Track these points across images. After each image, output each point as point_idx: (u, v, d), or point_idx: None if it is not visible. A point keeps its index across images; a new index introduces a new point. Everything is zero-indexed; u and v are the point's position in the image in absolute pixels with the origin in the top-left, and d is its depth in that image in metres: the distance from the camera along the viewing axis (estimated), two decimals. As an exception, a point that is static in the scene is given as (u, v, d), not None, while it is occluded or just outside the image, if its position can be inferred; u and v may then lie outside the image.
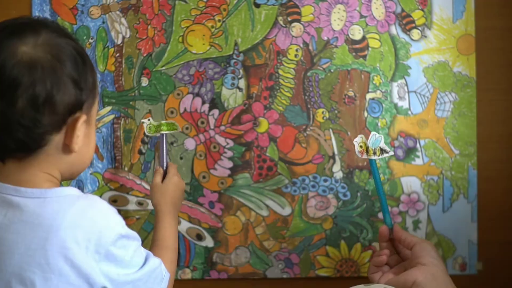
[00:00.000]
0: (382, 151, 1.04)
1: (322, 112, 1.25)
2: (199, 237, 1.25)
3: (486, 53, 1.25)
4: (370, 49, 1.25)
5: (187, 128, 1.24)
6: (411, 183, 1.25)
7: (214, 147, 1.24)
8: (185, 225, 1.25)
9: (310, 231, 1.26)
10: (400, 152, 1.25)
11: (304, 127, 1.25)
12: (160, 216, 1.09)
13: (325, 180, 1.25)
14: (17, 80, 0.80)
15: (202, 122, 1.24)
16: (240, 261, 1.25)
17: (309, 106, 1.24)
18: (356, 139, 1.03)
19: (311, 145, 1.25)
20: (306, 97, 1.24)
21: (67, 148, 0.86)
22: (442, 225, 1.25)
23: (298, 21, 1.24)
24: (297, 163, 1.25)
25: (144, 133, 1.22)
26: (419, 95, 1.25)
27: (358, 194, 1.25)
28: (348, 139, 1.25)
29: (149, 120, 1.18)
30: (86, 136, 0.88)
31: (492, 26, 1.25)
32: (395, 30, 1.25)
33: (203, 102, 1.24)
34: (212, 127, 1.24)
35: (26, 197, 0.84)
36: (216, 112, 1.24)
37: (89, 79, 0.87)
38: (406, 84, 1.25)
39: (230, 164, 1.24)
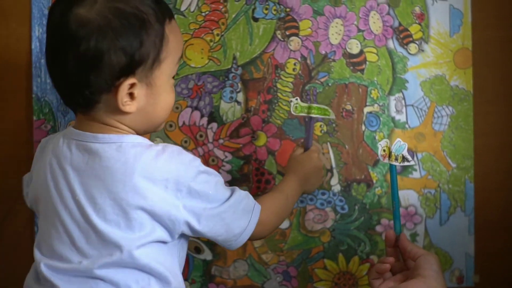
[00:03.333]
0: (404, 159, 1.05)
1: (320, 126, 1.25)
2: (198, 250, 1.26)
3: (483, 67, 1.26)
4: (367, 63, 1.26)
5: (185, 142, 1.25)
6: (408, 196, 1.26)
7: (213, 160, 1.25)
8: (183, 238, 1.25)
9: (308, 244, 1.26)
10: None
11: (302, 140, 1.25)
12: (286, 180, 1.09)
13: (323, 194, 1.26)
14: (68, 38, 0.84)
15: (201, 136, 1.25)
16: (239, 274, 1.26)
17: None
18: (381, 142, 1.04)
19: (309, 159, 1.25)
20: (304, 110, 1.25)
21: (118, 108, 0.88)
22: (439, 238, 1.26)
23: (296, 35, 1.25)
24: (295, 176, 1.25)
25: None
26: (416, 108, 1.26)
27: (356, 207, 1.26)
28: (346, 153, 1.26)
29: (296, 99, 1.18)
30: (148, 96, 0.89)
31: (489, 40, 1.26)
32: (392, 44, 1.26)
33: (202, 116, 1.25)
34: (210, 140, 1.25)
35: (104, 143, 0.88)
36: (214, 125, 1.25)
37: (147, 42, 0.86)
38: (404, 98, 1.26)
39: (228, 177, 1.25)
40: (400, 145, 1.04)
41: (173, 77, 0.95)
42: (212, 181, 0.91)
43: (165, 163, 0.87)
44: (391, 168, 1.05)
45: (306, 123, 1.17)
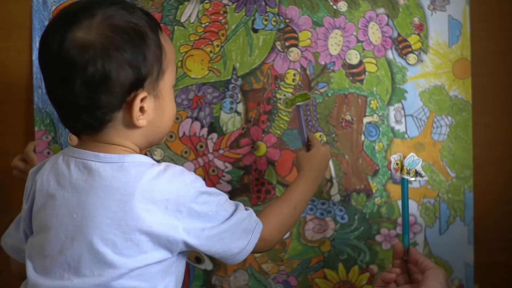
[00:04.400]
0: (417, 174, 1.05)
1: (320, 136, 1.26)
2: (198, 260, 1.26)
3: (482, 77, 1.26)
4: (367, 73, 1.26)
5: (186, 152, 1.25)
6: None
7: (213, 171, 1.26)
8: (184, 248, 1.26)
9: (308, 254, 1.27)
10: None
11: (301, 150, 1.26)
12: (300, 176, 1.10)
13: (323, 203, 1.26)
14: (72, 64, 0.83)
15: (201, 146, 1.26)
16: (239, 283, 1.26)
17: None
18: (394, 156, 1.05)
19: (309, 169, 1.26)
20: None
21: (132, 124, 0.87)
22: (439, 248, 1.27)
23: (296, 46, 1.26)
24: (295, 186, 1.26)
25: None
26: (415, 118, 1.26)
27: (356, 217, 1.26)
28: (346, 163, 1.26)
29: (285, 95, 1.19)
30: (156, 108, 0.89)
31: (488, 51, 1.26)
32: (391, 54, 1.26)
33: (202, 126, 1.26)
34: (210, 151, 1.26)
35: (104, 162, 0.87)
36: (214, 136, 1.26)
37: (149, 54, 0.86)
38: (403, 108, 1.26)
39: (228, 187, 1.26)
40: (413, 160, 1.04)
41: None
42: (213, 202, 0.90)
43: (166, 183, 0.86)
44: (403, 182, 1.05)
45: (297, 114, 1.19)
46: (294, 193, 1.06)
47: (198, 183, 0.89)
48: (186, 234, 0.87)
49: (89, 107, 0.85)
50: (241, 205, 0.95)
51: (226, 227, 0.91)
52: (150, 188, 0.85)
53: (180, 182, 0.88)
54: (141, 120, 0.88)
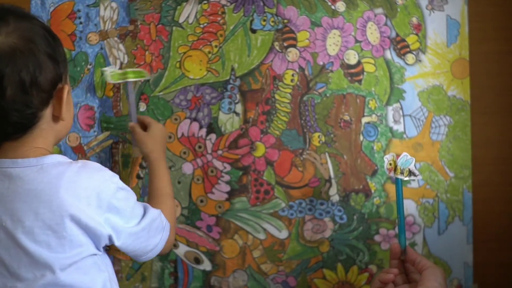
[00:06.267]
0: (411, 173, 1.05)
1: (318, 136, 1.26)
2: (197, 261, 1.26)
3: (480, 76, 1.26)
4: (365, 73, 1.26)
5: (184, 153, 1.26)
6: (406, 206, 1.26)
7: (212, 171, 1.26)
8: (183, 248, 1.26)
9: (307, 254, 1.27)
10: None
11: (300, 151, 1.26)
12: (156, 165, 1.13)
13: (322, 204, 1.26)
14: (0, 70, 0.85)
15: (200, 147, 1.26)
16: (238, 284, 1.26)
17: (305, 130, 1.26)
18: (387, 156, 1.05)
19: (307, 169, 1.26)
20: (302, 121, 1.26)
21: (56, 118, 0.92)
22: (437, 248, 1.26)
23: (294, 46, 1.26)
24: (293, 186, 1.26)
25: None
26: (414, 118, 1.26)
27: (355, 217, 1.26)
28: (344, 163, 1.26)
29: (111, 66, 1.21)
30: (67, 103, 0.93)
31: (486, 50, 1.26)
32: (390, 54, 1.26)
33: (201, 127, 1.26)
34: (209, 151, 1.26)
35: (24, 167, 0.89)
36: (213, 136, 1.26)
37: (61, 51, 0.92)
38: (401, 108, 1.26)
39: (227, 188, 1.26)
40: (406, 160, 1.04)
41: None
42: (130, 199, 0.94)
43: (87, 179, 0.89)
44: (397, 182, 1.05)
45: (126, 91, 1.19)
46: (165, 183, 1.11)
47: (115, 178, 0.92)
48: (109, 229, 0.90)
49: (22, 108, 0.87)
50: (147, 205, 0.99)
51: (143, 226, 0.95)
52: (72, 184, 0.87)
53: (99, 177, 0.90)
54: (64, 114, 0.92)
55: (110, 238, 0.91)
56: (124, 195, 0.93)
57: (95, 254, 0.91)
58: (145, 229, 0.95)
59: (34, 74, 0.86)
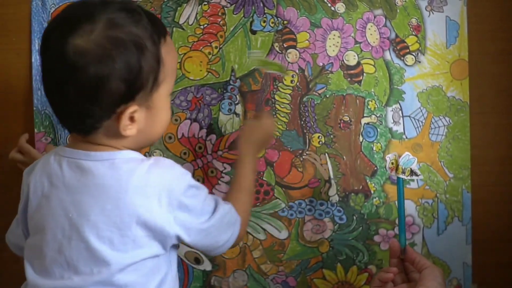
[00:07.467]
0: (412, 173, 1.06)
1: (318, 137, 1.26)
2: (197, 261, 1.27)
3: (479, 77, 1.27)
4: (365, 74, 1.27)
5: (185, 153, 1.26)
6: (406, 206, 1.25)
7: (212, 172, 1.26)
8: (183, 248, 1.26)
9: (307, 254, 1.27)
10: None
11: (300, 151, 1.26)
12: (246, 158, 1.09)
13: (321, 204, 1.27)
14: (66, 70, 0.83)
15: (200, 147, 1.26)
16: (238, 284, 1.27)
17: (305, 131, 1.26)
18: (389, 155, 1.06)
19: (307, 170, 1.26)
20: (302, 122, 1.26)
21: (119, 133, 0.88)
22: (437, 248, 1.27)
23: (294, 47, 1.26)
24: (293, 187, 1.27)
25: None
26: (413, 119, 1.27)
27: (354, 217, 1.27)
28: (344, 164, 1.27)
29: (258, 51, 1.21)
30: (147, 118, 0.90)
31: (485, 51, 1.27)
32: (389, 55, 1.27)
33: (201, 128, 1.26)
34: (209, 152, 1.26)
35: (96, 160, 0.88)
36: (213, 137, 1.26)
37: (145, 68, 0.86)
38: (401, 109, 1.27)
39: (227, 188, 1.26)
40: (408, 159, 1.05)
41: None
42: (201, 196, 0.93)
43: (158, 176, 0.88)
44: (398, 181, 1.06)
45: (263, 82, 1.17)
46: (247, 178, 1.08)
47: (187, 176, 0.91)
48: (178, 227, 0.89)
49: (80, 114, 0.86)
50: (219, 199, 0.98)
51: (213, 221, 0.93)
52: (142, 183, 0.87)
53: (171, 175, 0.89)
54: (129, 130, 0.88)
55: (178, 237, 0.90)
56: (195, 192, 0.92)
57: (157, 256, 0.90)
58: (215, 224, 0.94)
59: (97, 84, 0.83)
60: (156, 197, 0.87)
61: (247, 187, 1.07)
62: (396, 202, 1.25)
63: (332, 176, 1.27)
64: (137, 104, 0.87)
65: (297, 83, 1.26)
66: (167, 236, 0.89)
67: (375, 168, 1.27)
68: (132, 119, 0.88)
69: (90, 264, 0.86)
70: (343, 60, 1.26)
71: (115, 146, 0.91)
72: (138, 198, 0.86)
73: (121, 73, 0.84)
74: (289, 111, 1.26)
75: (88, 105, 0.84)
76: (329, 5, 1.26)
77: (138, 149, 0.94)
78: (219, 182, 1.26)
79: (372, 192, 1.27)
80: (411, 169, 1.06)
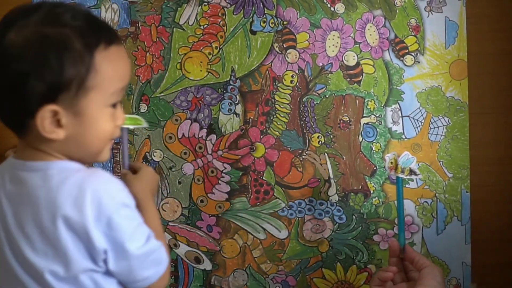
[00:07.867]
0: (411, 172, 1.06)
1: (318, 137, 1.27)
2: (198, 260, 1.27)
3: (478, 78, 1.27)
4: (364, 74, 1.27)
5: (185, 153, 1.26)
6: (405, 206, 1.26)
7: (212, 172, 1.27)
8: (183, 248, 1.27)
9: (307, 254, 1.28)
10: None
11: (300, 151, 1.27)
12: (142, 205, 0.96)
13: (321, 204, 1.27)
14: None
15: (200, 147, 1.27)
16: (238, 283, 1.27)
17: (304, 131, 1.27)
18: (389, 154, 1.06)
19: (307, 169, 1.27)
20: (301, 122, 1.27)
21: (41, 134, 0.84)
22: (436, 247, 1.27)
23: (294, 47, 1.27)
24: (293, 187, 1.27)
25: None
26: (412, 119, 1.27)
27: (354, 217, 1.27)
28: (343, 163, 1.27)
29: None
30: (77, 125, 0.84)
31: (484, 52, 1.27)
32: (388, 56, 1.27)
33: (201, 128, 1.27)
34: (209, 152, 1.27)
35: (30, 171, 0.86)
36: (213, 137, 1.27)
37: (68, 70, 0.81)
38: (400, 109, 1.27)
39: (227, 188, 1.27)
40: (408, 159, 1.06)
41: (115, 105, 0.87)
42: (134, 219, 0.86)
43: (89, 189, 0.83)
44: (398, 180, 1.07)
45: (121, 136, 1.03)
46: (156, 222, 0.96)
47: (123, 193, 0.86)
48: (106, 244, 0.84)
49: (8, 109, 0.84)
50: (152, 233, 0.89)
51: (139, 254, 0.86)
52: (73, 194, 0.83)
53: (104, 190, 0.84)
54: (54, 134, 0.84)
55: (106, 254, 0.84)
56: (129, 214, 0.85)
57: (95, 271, 0.86)
58: (139, 258, 0.86)
59: (22, 79, 0.80)
60: (86, 211, 0.82)
61: (162, 232, 0.98)
62: (396, 201, 1.26)
63: (331, 176, 1.27)
64: (62, 106, 0.83)
65: (297, 83, 1.27)
66: (97, 251, 0.83)
67: (375, 168, 1.27)
68: (58, 122, 0.84)
69: (28, 277, 0.85)
70: (342, 61, 1.27)
71: (49, 152, 0.86)
72: (68, 210, 0.82)
73: (40, 70, 0.81)
74: (289, 111, 1.27)
75: (10, 99, 0.82)
76: (329, 5, 1.26)
77: (78, 159, 0.88)
78: (219, 182, 1.26)
79: (371, 191, 1.27)
80: (410, 168, 1.07)
